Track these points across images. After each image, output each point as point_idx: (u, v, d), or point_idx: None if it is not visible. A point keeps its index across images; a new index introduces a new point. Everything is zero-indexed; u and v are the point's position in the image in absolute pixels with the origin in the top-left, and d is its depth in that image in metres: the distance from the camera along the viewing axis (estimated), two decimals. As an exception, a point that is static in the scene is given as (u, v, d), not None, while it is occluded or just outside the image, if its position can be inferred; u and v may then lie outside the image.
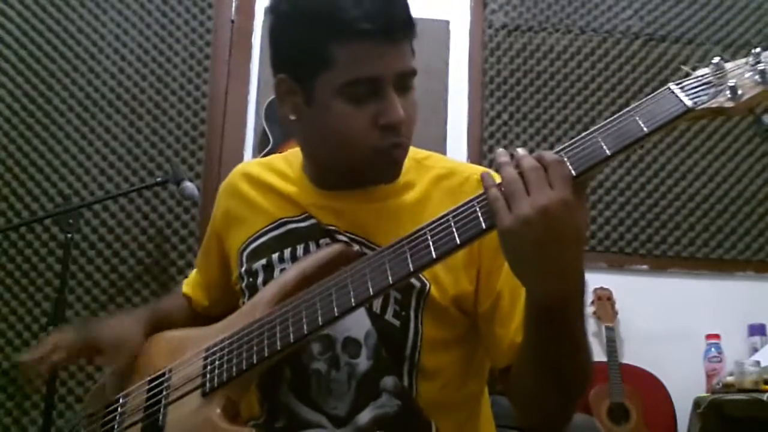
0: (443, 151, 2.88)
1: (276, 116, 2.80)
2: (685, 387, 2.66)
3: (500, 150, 0.88)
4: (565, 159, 0.85)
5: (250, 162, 1.36)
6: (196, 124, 2.88)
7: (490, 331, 1.08)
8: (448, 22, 3.08)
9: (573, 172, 0.84)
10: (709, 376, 2.71)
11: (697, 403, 2.53)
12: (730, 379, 2.46)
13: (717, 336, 2.77)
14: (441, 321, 1.08)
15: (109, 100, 2.86)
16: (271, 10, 1.13)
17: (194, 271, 1.40)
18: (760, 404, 2.21)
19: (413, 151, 1.20)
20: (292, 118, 1.10)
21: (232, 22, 3.01)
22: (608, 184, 2.97)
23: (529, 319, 0.93)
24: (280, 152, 2.84)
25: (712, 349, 2.75)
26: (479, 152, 2.96)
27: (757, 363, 2.41)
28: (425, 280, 1.07)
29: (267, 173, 1.25)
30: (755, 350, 2.71)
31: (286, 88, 1.10)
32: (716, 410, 2.41)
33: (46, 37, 2.88)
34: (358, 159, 1.06)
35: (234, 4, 3.02)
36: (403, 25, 1.04)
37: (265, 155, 2.69)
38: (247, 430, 0.98)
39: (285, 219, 1.17)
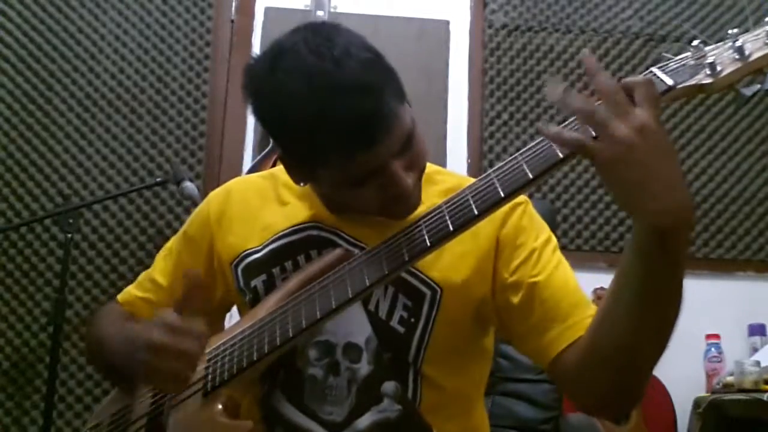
0: (443, 151, 2.89)
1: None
2: (685, 387, 2.66)
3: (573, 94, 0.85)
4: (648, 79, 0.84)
5: (249, 175, 1.32)
6: (196, 124, 2.88)
7: (540, 317, 1.04)
8: (448, 22, 3.08)
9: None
10: (709, 376, 2.71)
11: (697, 403, 2.53)
12: (730, 379, 2.46)
13: (717, 336, 2.77)
14: (452, 329, 1.08)
15: (109, 100, 2.86)
16: (250, 87, 1.06)
17: (133, 289, 1.28)
18: (760, 404, 2.21)
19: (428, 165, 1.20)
20: (302, 185, 1.11)
21: (232, 22, 3.01)
22: (608, 184, 2.97)
23: (639, 251, 0.87)
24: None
25: (712, 349, 2.75)
26: (479, 152, 2.96)
27: (757, 363, 2.41)
28: (436, 287, 1.07)
29: (267, 183, 1.22)
30: (755, 350, 2.71)
31: (288, 163, 1.09)
32: (716, 410, 2.42)
33: (46, 37, 2.88)
34: (368, 212, 1.07)
35: (234, 4, 3.02)
36: (382, 125, 0.96)
37: (265, 155, 2.69)
38: (248, 423, 0.98)
39: (285, 230, 1.14)
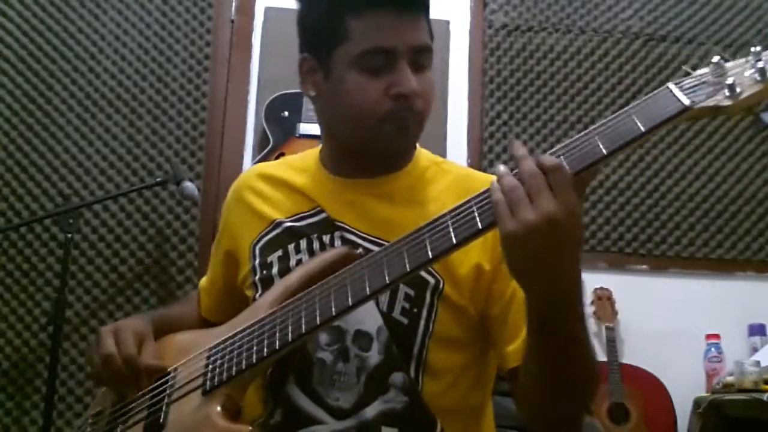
0: (443, 151, 2.89)
1: (276, 116, 2.80)
2: (685, 387, 2.66)
3: (500, 165, 0.88)
4: (563, 161, 0.84)
5: (264, 163, 1.39)
6: (196, 124, 2.88)
7: (503, 330, 1.08)
8: (448, 22, 3.08)
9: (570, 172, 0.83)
10: (709, 376, 2.71)
11: (697, 403, 2.53)
12: (730, 379, 2.46)
13: (717, 336, 2.77)
14: (454, 319, 1.09)
15: (109, 100, 2.86)
16: None
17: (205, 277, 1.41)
18: (760, 404, 2.21)
19: (432, 155, 1.23)
20: (312, 94, 1.17)
21: (232, 22, 3.01)
22: (608, 184, 2.97)
23: (530, 324, 0.92)
24: (280, 152, 2.84)
25: (712, 349, 2.75)
26: (479, 152, 2.96)
27: (757, 363, 2.41)
28: (439, 277, 1.08)
29: (281, 170, 1.27)
30: (755, 350, 2.71)
31: (308, 66, 1.16)
32: (716, 410, 2.42)
33: (46, 37, 2.88)
34: (369, 128, 1.10)
35: (234, 4, 3.02)
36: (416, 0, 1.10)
37: (265, 155, 2.69)
38: (244, 427, 0.98)
39: (299, 214, 1.19)
